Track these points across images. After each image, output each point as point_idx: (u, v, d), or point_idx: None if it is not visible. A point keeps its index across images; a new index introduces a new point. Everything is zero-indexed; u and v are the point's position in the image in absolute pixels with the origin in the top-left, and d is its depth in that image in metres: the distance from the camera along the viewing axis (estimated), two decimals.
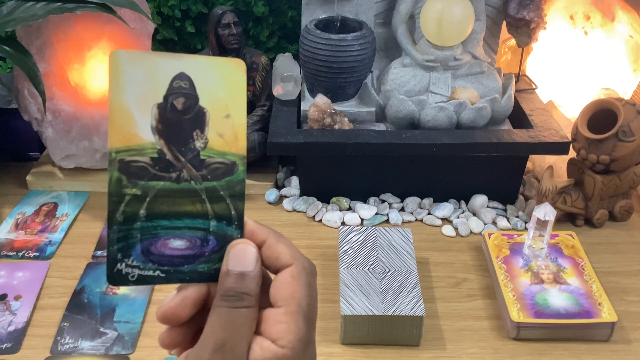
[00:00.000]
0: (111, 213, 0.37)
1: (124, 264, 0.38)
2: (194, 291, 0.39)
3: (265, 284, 0.39)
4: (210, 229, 0.39)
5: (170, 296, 0.39)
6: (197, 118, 0.38)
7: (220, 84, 0.39)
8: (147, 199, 0.38)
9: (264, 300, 0.39)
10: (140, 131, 0.37)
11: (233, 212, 0.39)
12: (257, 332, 0.38)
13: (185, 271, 0.39)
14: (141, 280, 0.38)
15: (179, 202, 0.38)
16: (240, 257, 0.38)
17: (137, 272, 0.38)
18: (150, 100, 0.37)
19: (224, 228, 0.39)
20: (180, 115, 0.38)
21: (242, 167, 0.39)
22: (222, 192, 0.39)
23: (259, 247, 0.40)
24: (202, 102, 0.38)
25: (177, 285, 0.40)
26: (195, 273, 0.39)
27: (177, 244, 0.39)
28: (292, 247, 0.40)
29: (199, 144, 0.38)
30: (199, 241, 0.39)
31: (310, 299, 0.39)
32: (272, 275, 0.41)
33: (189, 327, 0.40)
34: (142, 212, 0.38)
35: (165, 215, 0.38)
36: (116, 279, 0.38)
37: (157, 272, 0.38)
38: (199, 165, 0.39)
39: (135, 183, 0.38)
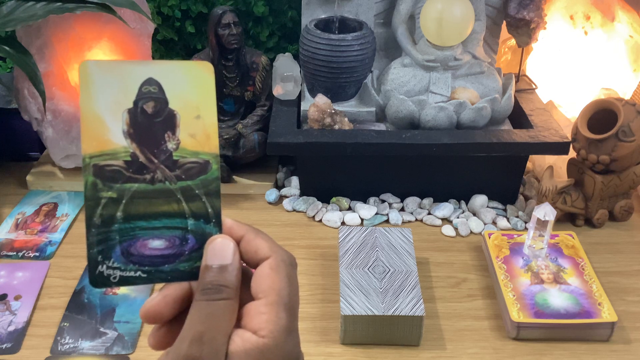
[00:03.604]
0: (89, 217, 0.38)
1: (105, 266, 0.39)
2: (175, 289, 0.40)
3: (247, 280, 0.40)
4: (189, 228, 0.40)
5: (153, 295, 0.40)
6: (167, 120, 0.39)
7: (189, 86, 0.40)
8: (123, 201, 0.39)
9: (246, 296, 0.39)
10: (113, 136, 0.39)
11: (210, 210, 0.40)
12: (239, 326, 0.38)
13: (166, 270, 0.40)
14: (123, 282, 0.39)
15: (155, 203, 0.39)
16: (218, 251, 0.39)
17: (118, 273, 0.39)
18: (121, 106, 0.39)
19: (202, 226, 0.40)
20: (151, 119, 0.39)
21: (215, 166, 0.40)
22: (197, 191, 0.40)
23: (238, 242, 0.40)
24: (172, 105, 0.39)
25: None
26: (176, 272, 0.40)
27: (156, 244, 0.39)
28: (270, 241, 0.41)
29: (171, 145, 0.39)
30: (177, 240, 0.40)
31: (290, 289, 0.39)
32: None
33: (175, 328, 0.40)
34: (119, 214, 0.39)
35: (142, 216, 0.39)
36: (99, 281, 0.39)
37: (139, 273, 0.39)
38: (172, 165, 0.39)
39: (111, 186, 0.39)
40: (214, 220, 0.40)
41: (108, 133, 0.38)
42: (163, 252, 0.39)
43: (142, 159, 0.39)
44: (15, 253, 0.92)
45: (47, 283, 0.87)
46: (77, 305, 0.83)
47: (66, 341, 0.77)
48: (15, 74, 1.03)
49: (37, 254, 0.92)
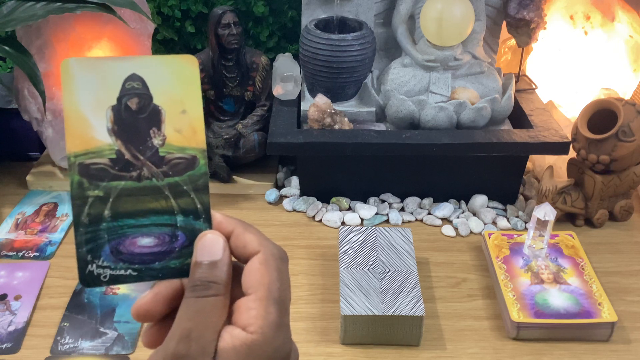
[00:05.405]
0: (76, 216, 0.38)
1: (94, 265, 0.38)
2: (166, 287, 0.39)
3: (239, 276, 0.39)
4: (178, 225, 0.39)
5: (144, 293, 0.40)
6: (152, 116, 0.39)
7: (173, 80, 0.39)
8: (110, 200, 0.38)
9: (238, 292, 0.39)
10: (97, 134, 0.38)
11: (199, 206, 0.40)
12: (230, 322, 0.38)
13: (157, 268, 0.39)
14: (114, 280, 0.39)
15: (142, 200, 0.39)
16: (208, 246, 0.39)
17: (108, 272, 0.39)
18: (104, 104, 0.38)
19: (192, 222, 0.40)
20: (136, 115, 0.39)
21: (203, 161, 0.40)
22: (185, 187, 0.39)
23: (227, 237, 0.40)
24: (157, 100, 0.39)
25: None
26: (167, 269, 0.39)
27: (145, 242, 0.39)
28: (259, 235, 0.40)
29: (156, 141, 0.39)
30: (167, 237, 0.39)
31: (280, 284, 0.39)
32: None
33: (167, 326, 0.39)
34: (106, 212, 0.38)
35: (130, 214, 0.39)
36: (89, 280, 0.39)
37: (129, 271, 0.39)
38: (158, 162, 0.39)
39: (97, 185, 0.38)
40: (203, 216, 0.40)
41: (92, 131, 0.38)
42: (153, 249, 0.39)
43: (127, 156, 0.39)
44: (15, 253, 0.92)
45: (47, 283, 0.87)
46: (77, 305, 0.83)
47: (66, 341, 0.77)
48: (15, 74, 1.03)
49: (37, 254, 0.92)
